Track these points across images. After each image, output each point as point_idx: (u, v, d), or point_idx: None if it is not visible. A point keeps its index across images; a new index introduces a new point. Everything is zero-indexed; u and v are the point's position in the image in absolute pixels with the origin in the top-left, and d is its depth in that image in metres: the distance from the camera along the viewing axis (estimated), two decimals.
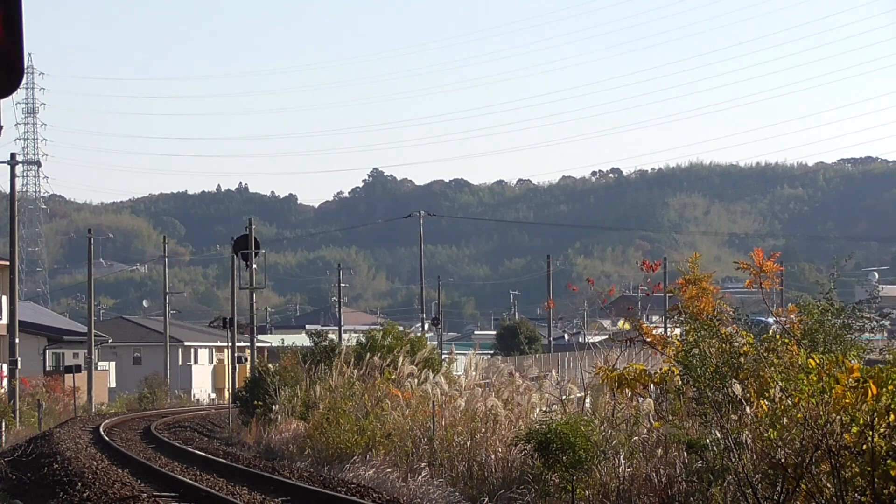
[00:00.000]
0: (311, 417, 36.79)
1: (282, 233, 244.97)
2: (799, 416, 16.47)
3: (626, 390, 23.90)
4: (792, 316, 24.41)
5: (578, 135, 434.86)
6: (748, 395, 19.88)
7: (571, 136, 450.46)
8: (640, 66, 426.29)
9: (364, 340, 45.78)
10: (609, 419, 24.71)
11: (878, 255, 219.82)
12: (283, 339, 79.94)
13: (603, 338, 54.72)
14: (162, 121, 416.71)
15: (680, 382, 22.69)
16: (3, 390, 58.50)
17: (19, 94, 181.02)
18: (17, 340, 57.16)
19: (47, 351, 77.37)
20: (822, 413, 16.04)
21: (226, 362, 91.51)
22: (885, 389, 15.51)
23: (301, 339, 69.71)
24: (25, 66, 9.05)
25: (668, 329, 38.94)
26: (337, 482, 26.09)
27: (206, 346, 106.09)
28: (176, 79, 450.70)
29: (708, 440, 18.98)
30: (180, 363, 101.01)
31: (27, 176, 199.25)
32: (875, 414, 15.43)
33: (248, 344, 69.59)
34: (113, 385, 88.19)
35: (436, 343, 77.37)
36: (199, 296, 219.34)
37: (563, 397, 28.76)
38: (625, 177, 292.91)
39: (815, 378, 16.41)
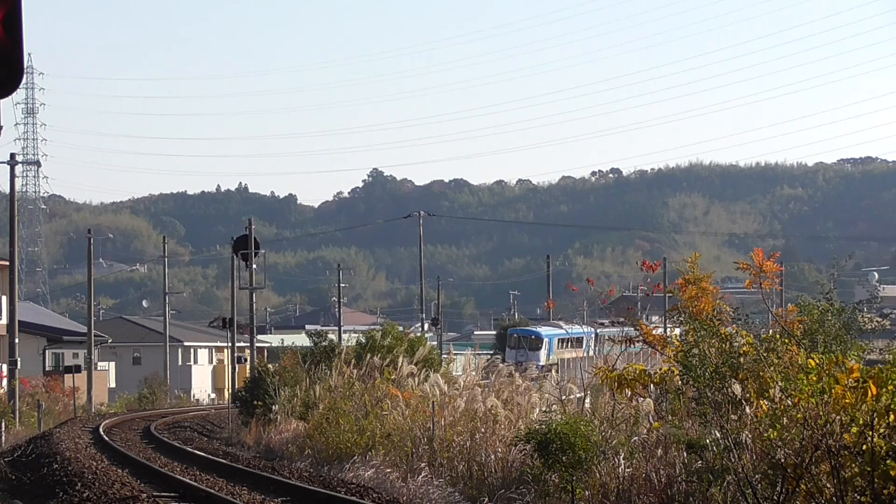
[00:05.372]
0: (311, 417, 36.79)
1: (282, 233, 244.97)
2: (799, 416, 16.47)
3: (626, 390, 23.90)
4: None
5: (578, 135, 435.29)
6: (748, 395, 19.88)
7: (571, 136, 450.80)
8: (640, 66, 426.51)
9: (364, 340, 45.78)
10: (609, 419, 24.72)
11: (878, 255, 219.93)
12: (282, 340, 79.99)
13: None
14: (162, 121, 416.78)
15: (680, 382, 22.69)
16: (2, 390, 58.50)
17: (19, 94, 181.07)
18: (16, 340, 57.16)
19: (47, 351, 77.35)
20: (821, 413, 16.04)
21: (225, 362, 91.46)
22: (884, 389, 15.51)
23: (301, 340, 69.69)
24: (25, 66, 9.04)
25: (668, 329, 38.97)
26: (337, 482, 26.09)
27: (205, 347, 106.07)
28: (176, 79, 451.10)
29: (708, 440, 18.98)
30: (180, 363, 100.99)
31: (27, 176, 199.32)
32: (875, 414, 15.43)
33: (248, 344, 69.55)
34: (112, 385, 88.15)
35: (435, 343, 77.38)
36: (199, 296, 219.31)
37: (563, 397, 28.77)
38: (624, 177, 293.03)
39: (815, 378, 16.41)
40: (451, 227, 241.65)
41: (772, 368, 20.54)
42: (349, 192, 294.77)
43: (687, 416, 22.03)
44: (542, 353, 72.20)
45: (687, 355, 22.00)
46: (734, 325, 25.86)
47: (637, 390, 23.89)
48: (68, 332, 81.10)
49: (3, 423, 48.57)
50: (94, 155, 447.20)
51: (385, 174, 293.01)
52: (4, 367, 59.94)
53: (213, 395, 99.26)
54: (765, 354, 21.20)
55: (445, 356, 49.49)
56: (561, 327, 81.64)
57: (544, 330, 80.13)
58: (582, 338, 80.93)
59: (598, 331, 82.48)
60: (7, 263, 59.96)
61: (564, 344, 77.53)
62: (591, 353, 77.46)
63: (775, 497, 16.76)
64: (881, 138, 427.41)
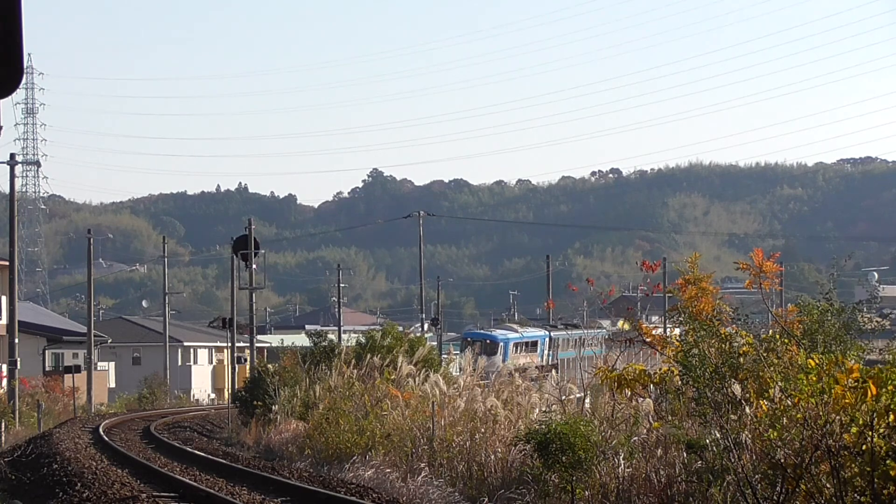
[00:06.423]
0: (311, 418, 36.79)
1: (281, 233, 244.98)
2: (798, 416, 16.46)
3: (626, 390, 23.91)
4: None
5: (578, 135, 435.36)
6: (748, 395, 19.88)
7: (571, 136, 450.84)
8: (640, 66, 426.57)
9: (363, 341, 45.77)
10: (608, 419, 24.71)
11: (878, 255, 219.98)
12: (282, 340, 79.98)
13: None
14: (161, 121, 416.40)
15: (679, 383, 22.69)
16: (2, 390, 58.49)
17: (19, 94, 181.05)
18: (16, 340, 57.14)
19: (47, 351, 77.32)
20: (821, 413, 16.03)
21: (225, 362, 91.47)
22: (884, 389, 15.50)
23: (300, 340, 69.67)
24: (25, 66, 9.02)
25: (668, 329, 38.96)
26: (336, 482, 26.10)
27: (205, 347, 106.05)
28: (175, 79, 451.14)
29: (707, 440, 18.98)
30: (180, 363, 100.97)
31: (27, 176, 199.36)
32: (875, 414, 15.42)
33: (248, 344, 69.56)
34: (112, 385, 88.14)
35: (435, 343, 77.29)
36: (199, 296, 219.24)
37: (563, 397, 28.77)
38: (624, 177, 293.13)
39: (814, 378, 16.41)
40: (451, 227, 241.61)
41: (772, 368, 20.54)
42: (349, 193, 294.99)
43: (687, 416, 22.03)
44: (498, 357, 70.90)
45: (687, 355, 22.00)
46: (734, 326, 25.86)
47: (637, 390, 23.89)
48: (68, 332, 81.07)
49: (2, 423, 48.57)
50: (94, 155, 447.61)
51: (385, 174, 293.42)
52: (4, 367, 59.92)
53: (212, 396, 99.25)
54: (764, 354, 21.20)
55: (445, 356, 49.44)
56: (517, 331, 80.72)
57: (500, 334, 79.10)
58: (537, 341, 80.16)
59: (553, 334, 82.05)
60: (7, 263, 59.94)
61: (520, 348, 76.62)
62: (544, 357, 76.98)
63: (775, 497, 16.75)
64: (881, 138, 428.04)
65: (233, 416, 50.23)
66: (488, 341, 75.63)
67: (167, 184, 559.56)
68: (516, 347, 76.09)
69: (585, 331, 73.26)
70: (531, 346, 78.58)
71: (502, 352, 73.32)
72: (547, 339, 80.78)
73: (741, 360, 21.27)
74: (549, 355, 78.49)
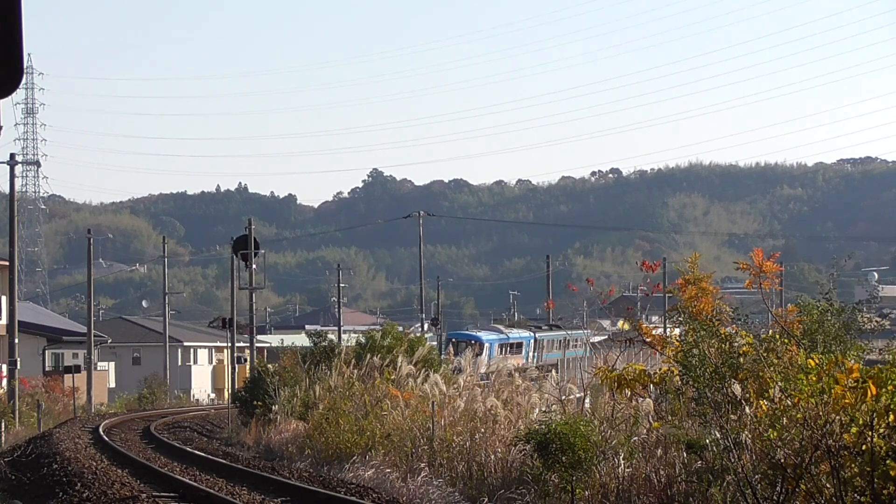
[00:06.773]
0: (311, 418, 36.80)
1: (281, 233, 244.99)
2: (798, 416, 16.46)
3: (626, 390, 23.90)
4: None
5: (578, 135, 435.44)
6: (748, 395, 19.87)
7: (571, 136, 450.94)
8: (640, 66, 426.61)
9: (363, 341, 45.77)
10: (608, 419, 24.71)
11: (877, 255, 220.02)
12: (282, 340, 80.00)
13: (603, 338, 54.68)
14: (161, 121, 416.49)
15: (679, 383, 22.69)
16: (2, 390, 58.49)
17: (19, 94, 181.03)
18: (16, 341, 57.14)
19: (47, 351, 77.31)
20: (821, 413, 16.03)
21: (225, 362, 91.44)
22: (884, 390, 15.50)
23: (300, 340, 69.67)
24: (25, 66, 9.02)
25: (668, 329, 38.97)
26: (336, 482, 26.10)
27: (205, 347, 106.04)
28: (175, 79, 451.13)
29: (707, 440, 18.97)
30: (180, 363, 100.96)
31: (27, 176, 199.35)
32: (874, 414, 15.42)
33: (248, 344, 69.55)
34: (112, 385, 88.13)
35: (435, 343, 77.22)
36: (199, 296, 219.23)
37: (563, 397, 28.76)
38: (624, 177, 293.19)
39: (814, 378, 16.40)
40: (451, 227, 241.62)
41: (772, 368, 20.53)
42: (349, 193, 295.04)
43: (687, 416, 22.02)
44: (483, 359, 70.35)
45: (687, 355, 22.00)
46: (734, 326, 25.87)
47: (637, 390, 23.89)
48: (68, 332, 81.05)
49: (2, 424, 48.57)
50: (94, 155, 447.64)
51: (385, 174, 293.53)
52: (4, 367, 59.92)
53: (212, 396, 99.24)
54: (764, 354, 21.19)
55: (445, 356, 49.45)
56: (502, 332, 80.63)
57: (485, 335, 78.89)
58: (522, 343, 79.99)
59: (538, 335, 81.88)
60: (7, 263, 59.93)
61: (505, 349, 76.33)
62: (529, 359, 76.83)
63: (775, 497, 16.75)
64: (881, 138, 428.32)
65: (233, 416, 50.21)
66: (473, 342, 75.28)
67: (167, 184, 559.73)
68: (501, 349, 75.95)
69: (570, 332, 73.03)
70: (516, 347, 78.54)
71: (487, 353, 73.05)
72: (532, 341, 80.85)
73: (741, 360, 21.26)
74: (534, 356, 78.49)
